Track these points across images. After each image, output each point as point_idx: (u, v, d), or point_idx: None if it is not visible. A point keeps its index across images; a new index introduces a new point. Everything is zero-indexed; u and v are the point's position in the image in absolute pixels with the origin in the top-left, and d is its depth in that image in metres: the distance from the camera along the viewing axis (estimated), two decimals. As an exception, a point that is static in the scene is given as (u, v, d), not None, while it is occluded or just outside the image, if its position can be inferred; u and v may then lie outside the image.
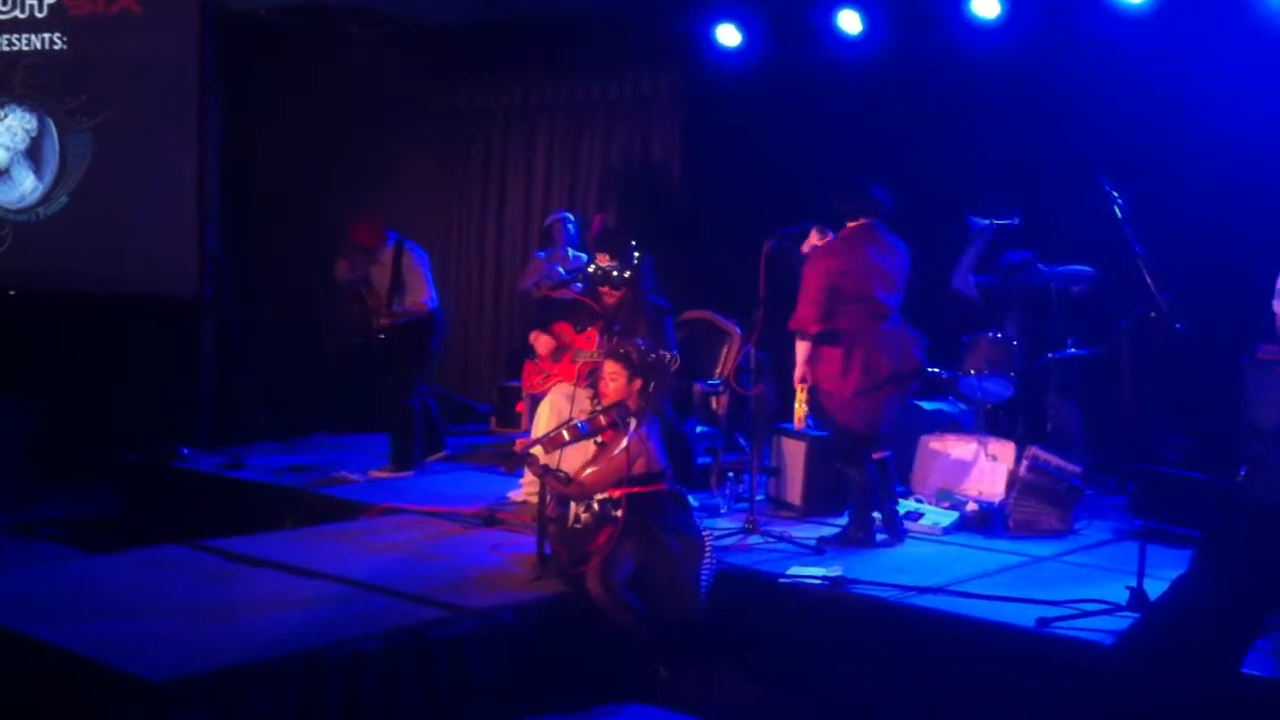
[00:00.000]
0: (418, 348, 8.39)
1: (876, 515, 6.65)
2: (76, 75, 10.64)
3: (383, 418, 8.58)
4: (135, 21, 10.44)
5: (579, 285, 8.06)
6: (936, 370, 7.45)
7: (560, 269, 9.16)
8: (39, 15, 10.69)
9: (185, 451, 8.89)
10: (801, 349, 6.54)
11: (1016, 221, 7.66)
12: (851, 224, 6.60)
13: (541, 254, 9.83)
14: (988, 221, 7.63)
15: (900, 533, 6.63)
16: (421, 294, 8.32)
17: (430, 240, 10.37)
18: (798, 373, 6.58)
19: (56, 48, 10.68)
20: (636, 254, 7.07)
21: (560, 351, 7.47)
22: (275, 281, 11.21)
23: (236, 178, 10.67)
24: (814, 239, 6.76)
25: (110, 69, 10.51)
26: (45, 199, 10.79)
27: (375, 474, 8.25)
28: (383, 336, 8.32)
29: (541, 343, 7.54)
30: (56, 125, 10.74)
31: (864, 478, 6.57)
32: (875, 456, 6.61)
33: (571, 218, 9.78)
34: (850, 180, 6.68)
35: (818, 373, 6.53)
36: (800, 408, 6.56)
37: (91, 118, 10.60)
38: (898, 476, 6.97)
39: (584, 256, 9.18)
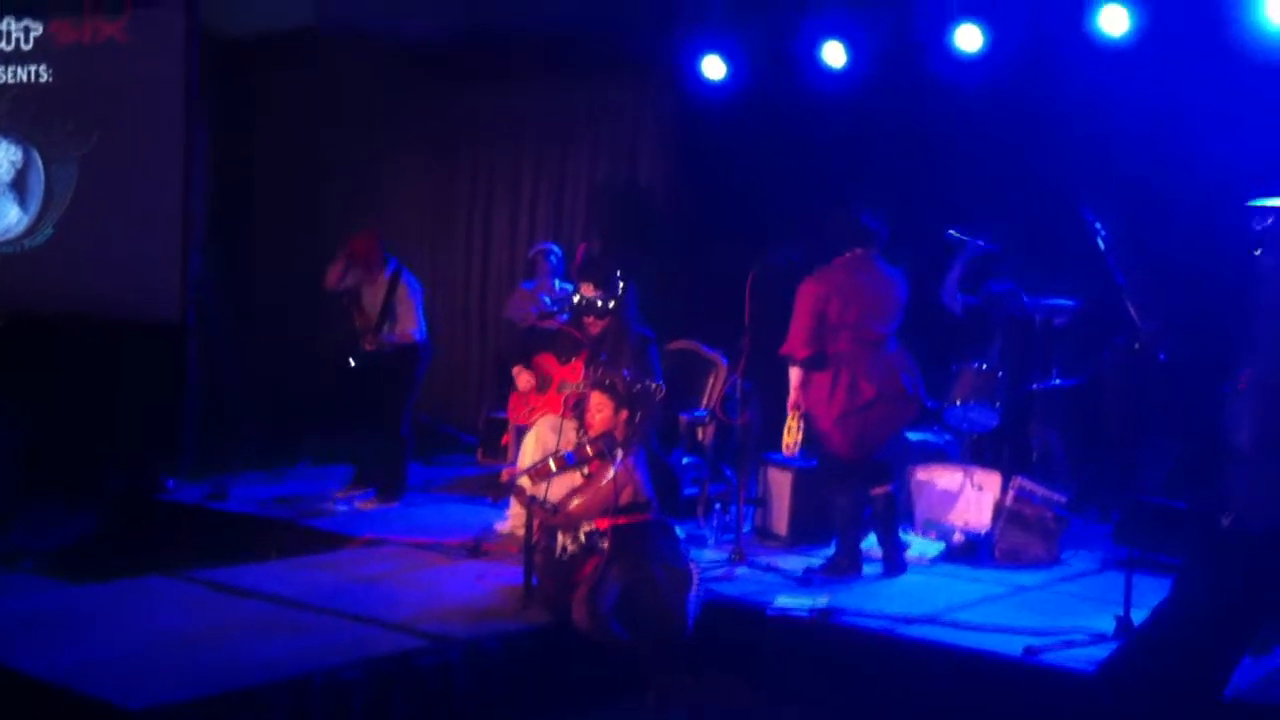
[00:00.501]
0: (406, 378, 8.37)
1: (867, 544, 6.65)
2: (62, 105, 10.63)
3: (372, 448, 8.56)
4: (120, 50, 10.44)
5: (564, 316, 8.07)
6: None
7: (546, 299, 9.16)
8: (25, 47, 10.69)
9: (170, 483, 8.85)
10: (794, 375, 6.56)
11: (996, 248, 7.70)
12: (846, 253, 6.63)
13: (528, 285, 9.85)
14: (970, 239, 7.66)
15: (900, 567, 6.63)
16: (410, 325, 8.30)
17: (418, 264, 10.37)
18: (791, 399, 6.58)
19: (42, 79, 10.69)
20: (621, 283, 7.08)
21: (545, 383, 7.46)
22: (263, 308, 11.20)
23: (224, 204, 10.67)
24: None
25: (96, 98, 10.50)
26: (31, 231, 10.76)
27: (361, 505, 8.22)
28: (366, 350, 8.30)
29: (523, 380, 7.52)
30: (42, 156, 10.73)
31: (850, 505, 6.56)
32: (877, 491, 6.61)
33: (556, 249, 9.80)
34: (842, 212, 6.70)
35: (808, 398, 6.55)
36: (789, 435, 6.55)
37: (78, 148, 10.59)
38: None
39: (569, 287, 9.19)
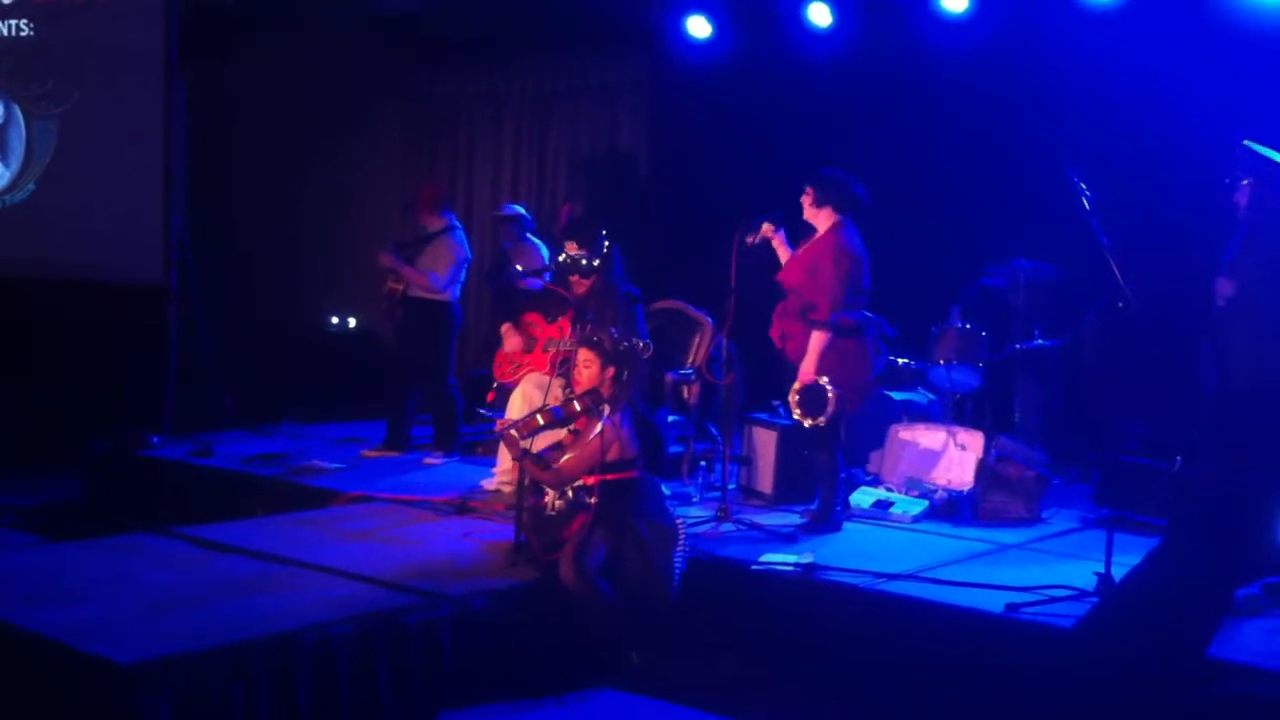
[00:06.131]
0: (436, 337, 8.52)
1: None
2: (43, 62, 10.55)
3: (427, 403, 8.70)
4: (101, 8, 10.37)
5: (549, 275, 8.08)
6: (907, 360, 7.58)
7: (518, 267, 9.07)
8: (5, 1, 10.60)
9: (154, 439, 8.84)
10: (820, 341, 6.39)
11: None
12: (841, 217, 6.57)
13: (508, 244, 9.81)
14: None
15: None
16: (432, 270, 8.41)
17: (396, 229, 10.35)
18: (814, 365, 6.40)
19: (23, 34, 10.59)
20: (606, 242, 7.09)
21: (531, 341, 7.47)
22: (242, 268, 11.17)
23: (202, 164, 10.62)
24: (766, 231, 6.76)
25: (77, 55, 10.43)
26: (12, 187, 10.70)
27: (427, 460, 8.34)
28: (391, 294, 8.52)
29: (510, 340, 7.53)
30: (23, 112, 10.65)
31: (838, 463, 6.65)
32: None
33: (521, 210, 9.73)
34: (843, 176, 6.64)
35: (838, 363, 6.42)
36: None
37: (58, 105, 10.52)
38: (863, 463, 7.35)
39: (539, 243, 9.25)
